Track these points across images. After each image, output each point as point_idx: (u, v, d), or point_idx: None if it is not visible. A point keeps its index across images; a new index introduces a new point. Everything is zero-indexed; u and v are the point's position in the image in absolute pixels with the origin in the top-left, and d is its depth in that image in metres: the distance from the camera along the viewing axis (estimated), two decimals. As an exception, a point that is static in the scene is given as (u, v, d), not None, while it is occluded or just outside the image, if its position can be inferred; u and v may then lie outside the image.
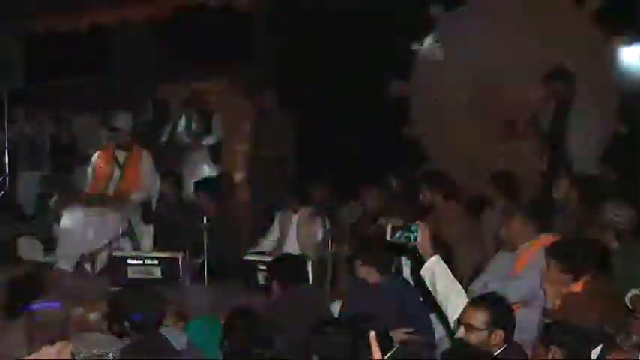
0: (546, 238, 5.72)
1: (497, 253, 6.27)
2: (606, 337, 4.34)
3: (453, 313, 4.70)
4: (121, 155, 8.78)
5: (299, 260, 6.67)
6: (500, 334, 4.33)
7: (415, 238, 4.83)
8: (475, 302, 4.45)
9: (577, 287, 5.03)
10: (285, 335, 5.26)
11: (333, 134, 9.95)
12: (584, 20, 9.08)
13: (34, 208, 10.19)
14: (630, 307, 5.19)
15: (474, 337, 4.28)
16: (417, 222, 4.91)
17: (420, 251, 4.88)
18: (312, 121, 10.09)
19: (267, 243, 8.32)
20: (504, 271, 5.94)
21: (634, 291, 5.26)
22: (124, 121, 8.79)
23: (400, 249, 5.74)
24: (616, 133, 8.82)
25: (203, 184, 8.77)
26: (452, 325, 4.72)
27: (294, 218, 8.20)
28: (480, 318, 4.32)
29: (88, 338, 4.39)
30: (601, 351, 4.22)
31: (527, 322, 5.02)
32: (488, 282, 5.92)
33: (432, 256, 4.85)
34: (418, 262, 5.07)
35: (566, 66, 8.44)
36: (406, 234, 4.86)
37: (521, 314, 4.79)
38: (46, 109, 11.62)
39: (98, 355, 4.18)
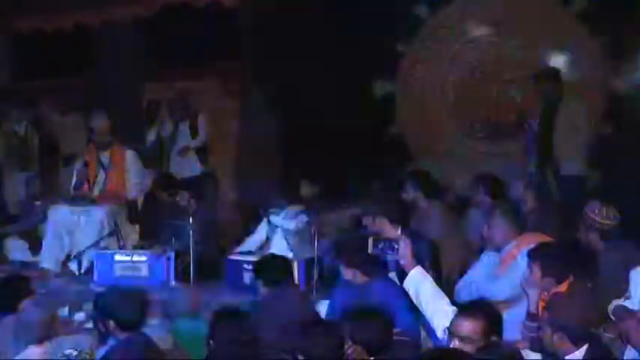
0: (530, 238, 5.73)
1: (483, 253, 6.28)
2: (592, 336, 4.34)
3: (439, 322, 4.70)
4: (105, 155, 8.74)
5: (285, 260, 6.66)
6: (496, 341, 4.32)
7: (397, 251, 4.86)
8: (466, 313, 4.35)
9: (561, 288, 5.04)
10: (271, 335, 5.27)
11: (319, 134, 9.94)
12: (571, 20, 9.11)
13: (20, 208, 10.13)
14: (612, 318, 5.20)
15: (470, 348, 4.19)
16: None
17: (402, 264, 4.91)
18: (299, 120, 10.08)
19: (254, 242, 8.29)
20: (490, 271, 5.95)
21: (617, 302, 5.27)
22: (98, 120, 8.73)
23: (382, 262, 5.76)
24: (602, 134, 8.85)
25: (183, 183, 8.74)
26: (438, 333, 4.73)
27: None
28: (474, 329, 4.24)
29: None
30: (587, 351, 4.23)
31: (512, 322, 5.03)
32: (473, 282, 5.94)
33: (413, 268, 4.87)
34: (401, 275, 5.12)
35: (554, 66, 8.47)
36: (388, 245, 4.89)
37: (505, 314, 4.78)
38: (32, 108, 11.55)
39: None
